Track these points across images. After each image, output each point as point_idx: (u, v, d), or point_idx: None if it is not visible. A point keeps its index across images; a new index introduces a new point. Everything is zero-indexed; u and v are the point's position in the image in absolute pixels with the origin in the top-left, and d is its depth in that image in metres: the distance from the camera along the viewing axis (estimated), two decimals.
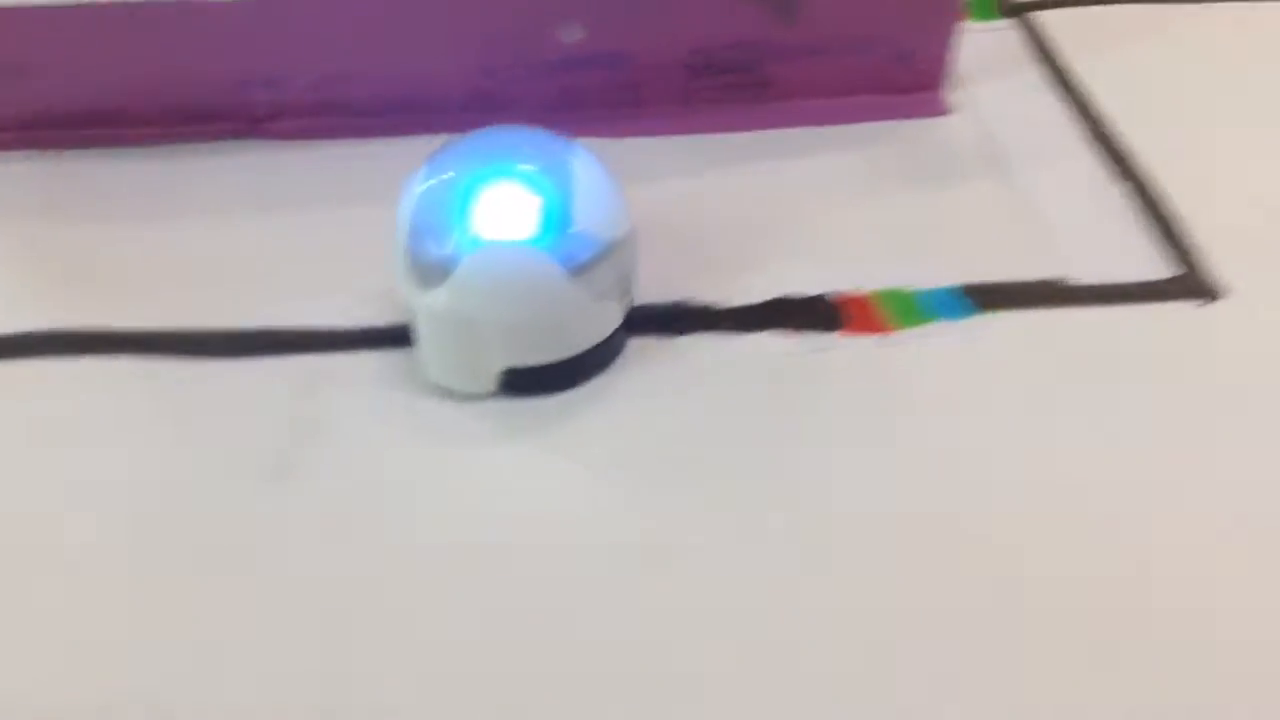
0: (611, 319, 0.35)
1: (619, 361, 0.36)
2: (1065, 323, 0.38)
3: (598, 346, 0.35)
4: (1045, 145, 0.45)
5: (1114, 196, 0.42)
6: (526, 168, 0.33)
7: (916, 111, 0.47)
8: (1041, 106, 0.47)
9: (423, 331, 0.34)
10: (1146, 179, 0.43)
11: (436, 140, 0.34)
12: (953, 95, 0.47)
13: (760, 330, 0.37)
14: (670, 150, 0.45)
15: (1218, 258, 0.40)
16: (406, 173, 0.34)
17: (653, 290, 0.38)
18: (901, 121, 0.46)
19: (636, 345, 0.37)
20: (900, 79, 0.46)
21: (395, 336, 0.36)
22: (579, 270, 0.33)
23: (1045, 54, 0.50)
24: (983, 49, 0.50)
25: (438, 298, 0.33)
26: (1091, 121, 0.46)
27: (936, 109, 0.47)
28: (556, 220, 0.32)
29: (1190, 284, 0.39)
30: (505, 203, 0.32)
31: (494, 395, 0.35)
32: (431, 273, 0.33)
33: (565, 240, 0.32)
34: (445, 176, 0.33)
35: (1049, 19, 0.52)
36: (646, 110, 0.46)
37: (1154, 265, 0.40)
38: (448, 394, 0.35)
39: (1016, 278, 0.39)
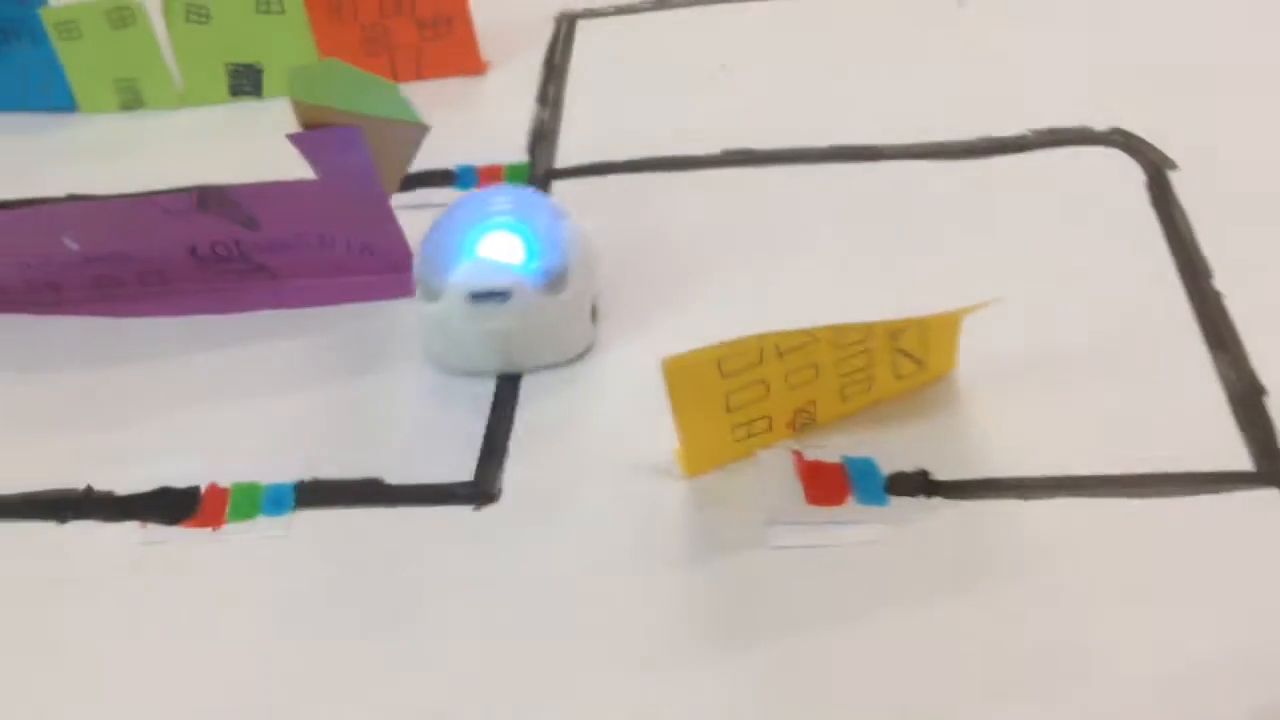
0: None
1: None
2: (374, 521, 0.45)
3: None
4: None
5: None
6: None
7: (388, 293, 0.54)
8: None
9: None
10: None
11: None
12: None
13: (125, 520, 0.47)
14: (163, 330, 0.54)
15: None
16: None
17: None
18: (380, 302, 0.54)
19: None
20: (370, 264, 0.54)
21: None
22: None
23: None
24: None
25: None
26: None
27: (405, 290, 0.54)
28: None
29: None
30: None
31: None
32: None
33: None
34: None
35: (562, 188, 0.58)
36: (172, 291, 0.55)
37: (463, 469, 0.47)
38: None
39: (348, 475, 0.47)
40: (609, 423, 0.47)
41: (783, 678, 0.38)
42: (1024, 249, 0.51)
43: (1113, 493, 0.42)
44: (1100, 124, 0.56)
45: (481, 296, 0.46)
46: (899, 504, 0.43)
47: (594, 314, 0.49)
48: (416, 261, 0.49)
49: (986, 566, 0.40)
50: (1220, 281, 0.48)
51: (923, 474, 0.43)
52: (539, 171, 0.59)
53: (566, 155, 0.60)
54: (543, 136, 0.61)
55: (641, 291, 0.51)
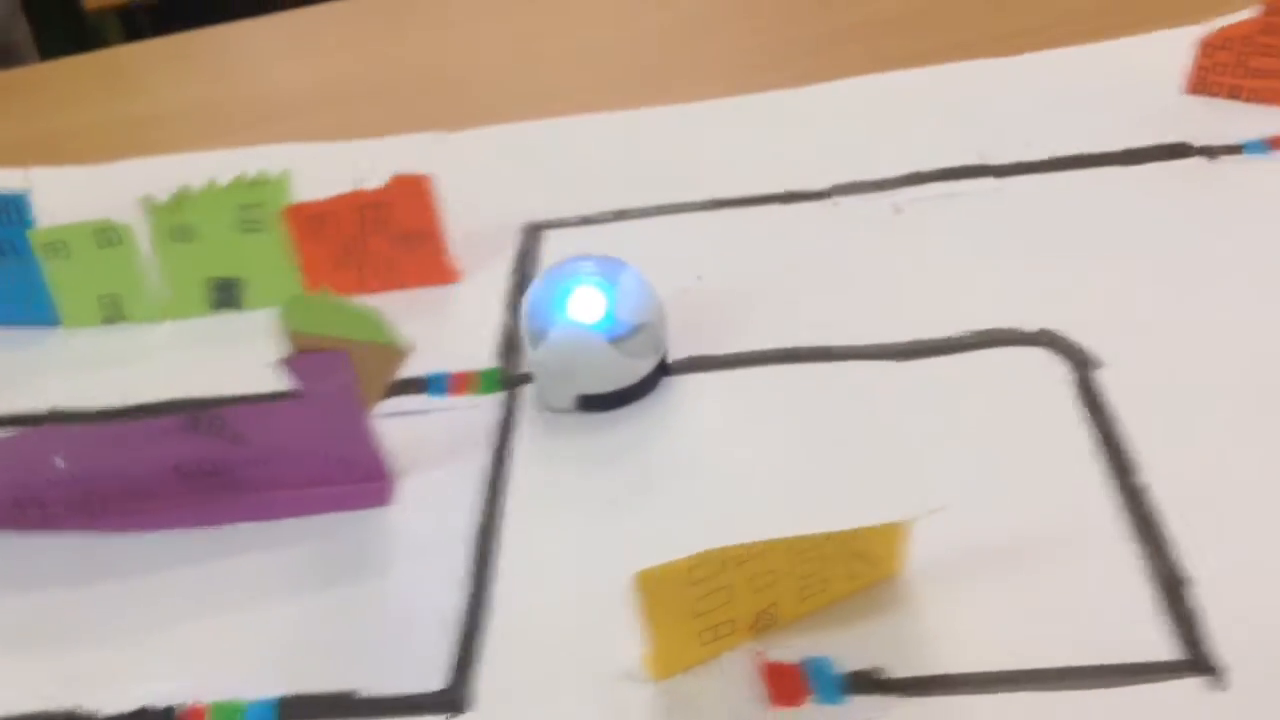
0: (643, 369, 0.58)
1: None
2: None
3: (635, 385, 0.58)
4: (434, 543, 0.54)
5: None
6: (593, 277, 0.57)
7: (364, 503, 0.57)
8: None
9: (535, 372, 0.58)
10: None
11: None
12: (411, 481, 0.57)
13: None
14: (151, 545, 0.56)
15: None
16: None
17: None
18: (355, 512, 0.57)
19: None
20: (347, 475, 0.57)
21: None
22: (617, 340, 0.56)
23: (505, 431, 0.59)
24: (465, 425, 0.60)
25: (540, 353, 0.57)
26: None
27: (381, 500, 0.57)
28: (610, 310, 0.56)
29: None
30: (582, 297, 0.56)
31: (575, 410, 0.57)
32: (537, 338, 0.57)
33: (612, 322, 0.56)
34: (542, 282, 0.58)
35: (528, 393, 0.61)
36: (155, 506, 0.58)
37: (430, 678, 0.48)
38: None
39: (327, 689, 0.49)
40: (579, 626, 0.49)
41: None
42: (961, 448, 0.54)
43: (1053, 685, 0.44)
44: (1029, 325, 0.60)
45: None
46: (857, 702, 0.45)
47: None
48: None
49: None
50: (1146, 475, 0.51)
51: (879, 671, 0.46)
52: (509, 377, 0.62)
53: None
54: (512, 344, 0.64)
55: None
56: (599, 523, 0.54)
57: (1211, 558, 0.48)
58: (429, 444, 0.59)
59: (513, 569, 0.52)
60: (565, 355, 0.57)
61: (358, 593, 0.53)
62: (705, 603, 0.45)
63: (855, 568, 0.48)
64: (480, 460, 0.58)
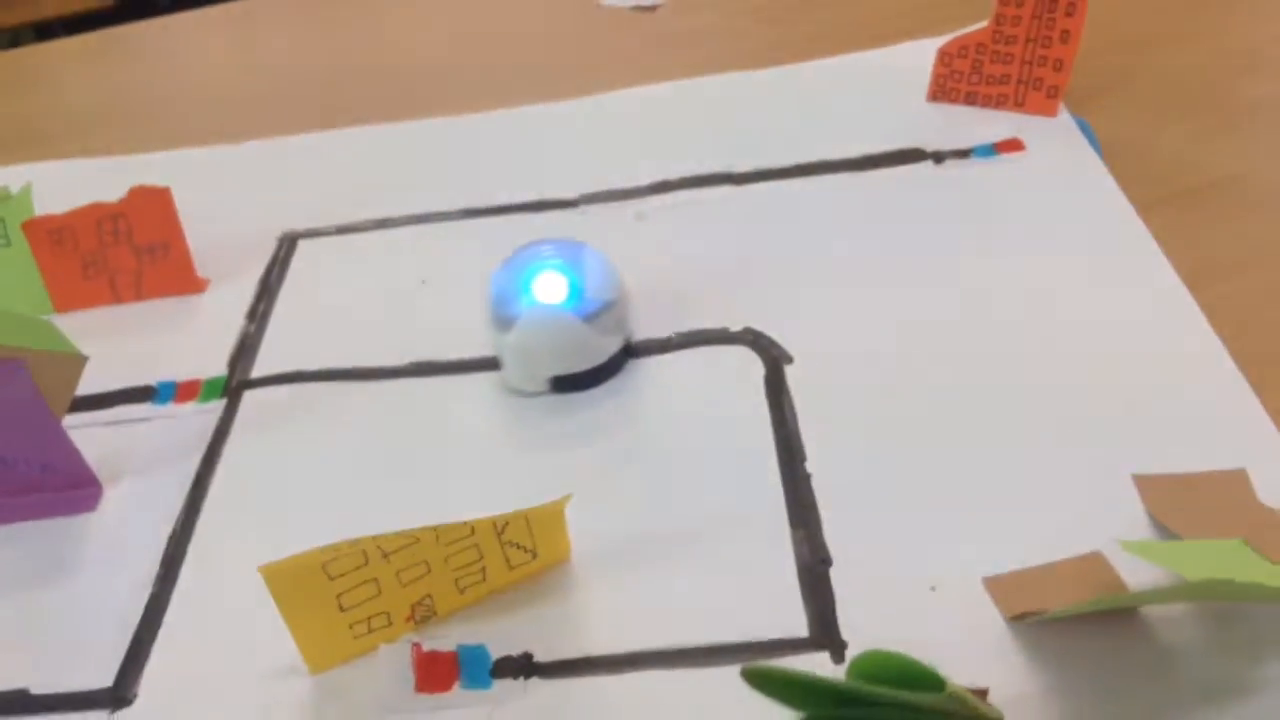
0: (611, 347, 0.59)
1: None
2: None
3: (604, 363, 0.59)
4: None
5: None
6: (557, 260, 0.57)
7: (70, 509, 0.57)
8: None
9: (504, 357, 0.58)
10: None
11: None
12: (121, 488, 0.58)
13: None
14: None
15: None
16: None
17: None
18: (62, 519, 0.57)
19: None
20: (52, 482, 0.57)
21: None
22: (589, 318, 0.57)
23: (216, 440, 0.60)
24: (182, 432, 0.61)
25: (510, 338, 0.57)
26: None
27: (88, 505, 0.57)
28: (576, 290, 0.57)
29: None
30: (548, 281, 0.57)
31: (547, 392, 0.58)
32: (505, 323, 0.57)
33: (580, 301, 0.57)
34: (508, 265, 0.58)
35: (253, 397, 0.63)
36: None
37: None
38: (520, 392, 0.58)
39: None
40: (252, 623, 0.50)
41: None
42: (650, 438, 0.56)
43: (688, 664, 0.46)
44: (737, 324, 0.62)
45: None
46: (502, 686, 0.46)
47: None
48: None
49: None
50: (812, 464, 0.53)
51: (527, 656, 0.47)
52: (233, 384, 0.63)
53: (263, 367, 0.64)
54: (245, 350, 0.65)
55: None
56: (284, 524, 0.55)
57: (851, 544, 0.50)
58: (144, 450, 0.60)
59: (200, 570, 0.53)
60: (538, 336, 0.57)
61: (49, 596, 0.53)
62: (352, 596, 0.47)
63: (514, 557, 0.49)
64: (190, 466, 0.59)
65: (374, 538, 0.46)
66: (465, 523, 0.47)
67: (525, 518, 0.48)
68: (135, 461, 0.59)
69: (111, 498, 0.58)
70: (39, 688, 0.49)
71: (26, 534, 0.57)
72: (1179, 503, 0.49)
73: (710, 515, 0.52)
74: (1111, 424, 0.53)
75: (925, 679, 0.37)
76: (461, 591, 0.49)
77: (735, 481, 0.54)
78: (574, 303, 0.57)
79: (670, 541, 0.51)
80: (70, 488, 0.57)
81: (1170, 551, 0.45)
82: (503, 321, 0.58)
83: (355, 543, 0.45)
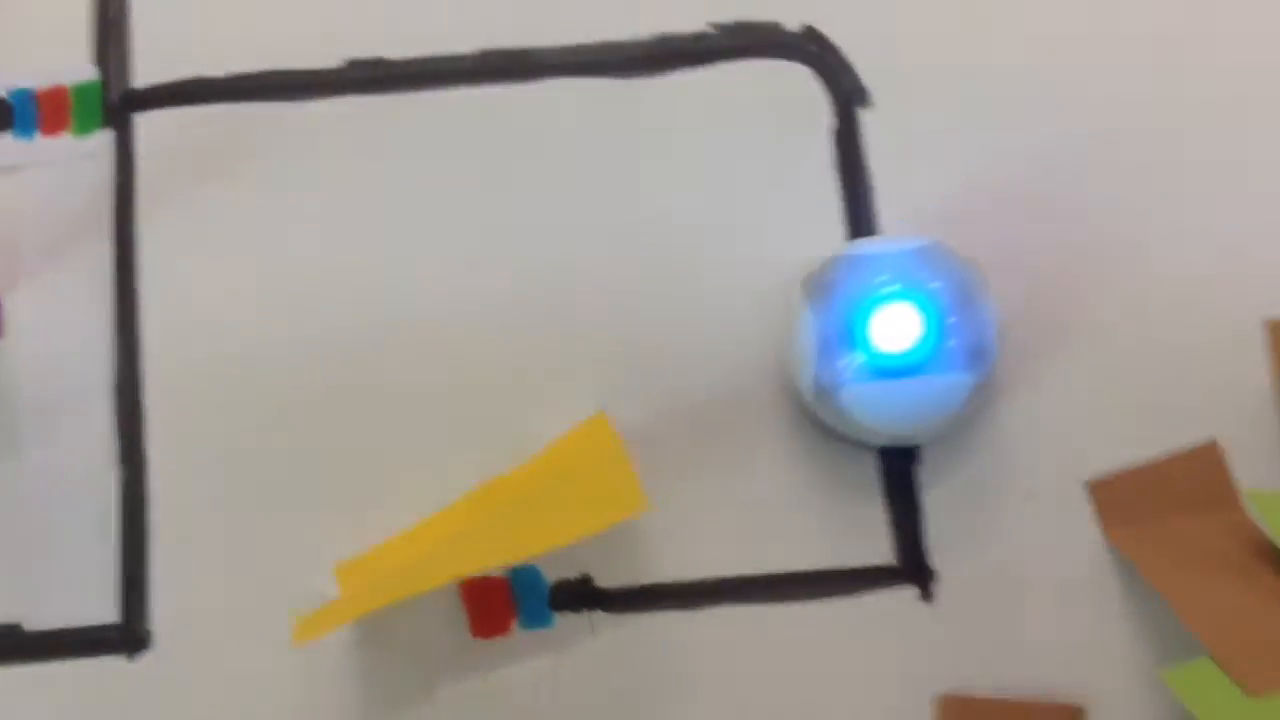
0: None
1: None
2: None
3: None
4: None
5: None
6: None
7: None
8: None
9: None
10: None
11: None
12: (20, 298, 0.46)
13: None
14: None
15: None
16: None
17: None
18: None
19: None
20: None
21: None
22: None
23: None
24: (71, 187, 0.47)
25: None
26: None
27: None
28: None
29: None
30: None
31: None
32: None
33: None
34: None
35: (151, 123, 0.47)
36: None
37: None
38: None
39: None
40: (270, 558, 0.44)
41: None
42: None
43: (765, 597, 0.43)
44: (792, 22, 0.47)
45: None
46: (564, 623, 0.43)
47: None
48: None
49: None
50: None
51: (585, 580, 0.43)
52: (114, 96, 0.47)
53: (148, 67, 0.48)
54: (111, 33, 0.48)
55: None
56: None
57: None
58: (31, 225, 0.46)
59: (164, 444, 0.45)
60: None
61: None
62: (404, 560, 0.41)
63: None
64: (100, 251, 0.46)
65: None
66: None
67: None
68: (25, 248, 0.46)
69: (15, 316, 0.46)
70: (31, 622, 0.43)
71: None
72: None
73: None
74: None
75: None
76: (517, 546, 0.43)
77: None
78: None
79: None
80: None
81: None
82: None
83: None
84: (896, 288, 0.39)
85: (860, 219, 0.45)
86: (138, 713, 0.42)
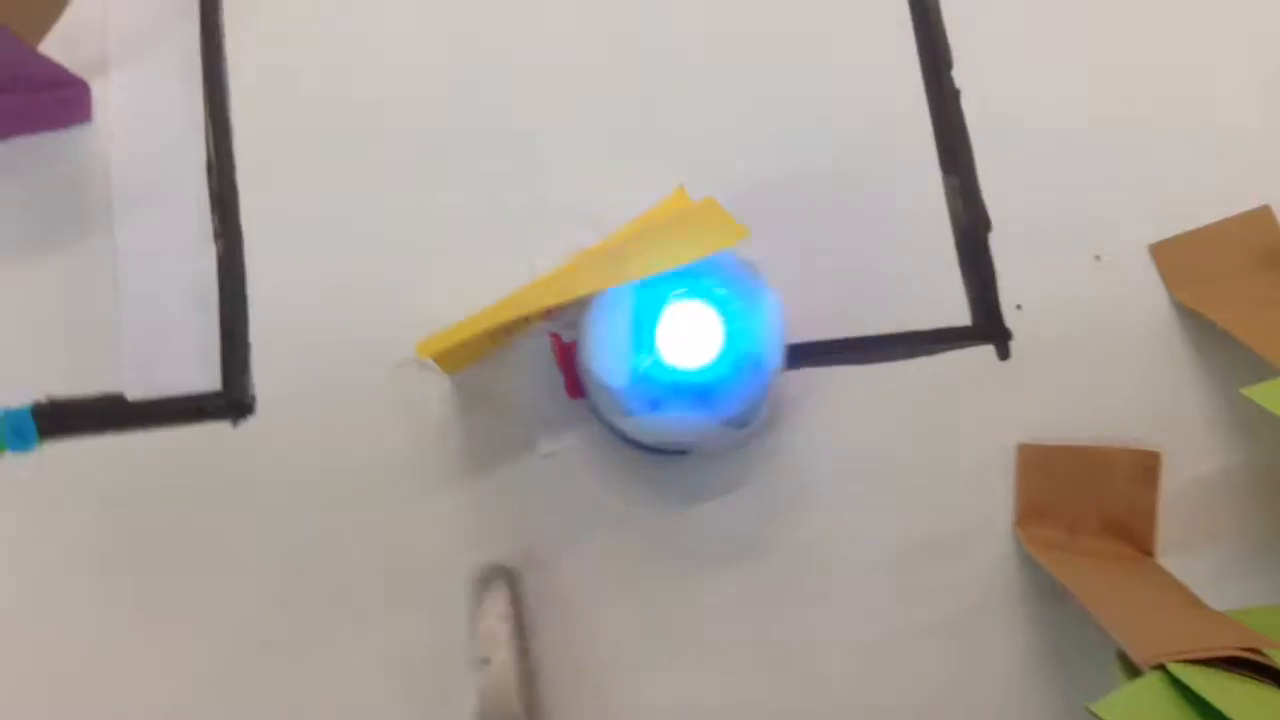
0: None
1: None
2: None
3: None
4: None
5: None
6: None
7: (60, 119, 0.46)
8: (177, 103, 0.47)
9: None
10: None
11: None
12: (111, 82, 0.47)
13: None
14: None
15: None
16: None
17: None
18: (56, 138, 0.46)
19: None
20: (30, 86, 0.46)
21: None
22: None
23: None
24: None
25: None
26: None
27: (81, 113, 0.46)
28: None
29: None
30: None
31: None
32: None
33: None
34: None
35: None
36: None
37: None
38: None
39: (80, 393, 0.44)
40: (363, 325, 0.45)
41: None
42: None
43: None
44: None
45: None
46: None
47: None
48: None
49: None
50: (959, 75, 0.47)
51: None
52: None
53: None
54: None
55: None
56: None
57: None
58: (118, 10, 0.47)
59: (259, 223, 0.46)
60: None
61: (80, 262, 0.45)
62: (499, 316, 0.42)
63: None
64: (189, 34, 0.47)
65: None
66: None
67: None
68: (117, 43, 0.47)
69: (105, 101, 0.46)
70: (134, 392, 0.44)
71: (18, 164, 0.46)
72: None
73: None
74: None
75: None
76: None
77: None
78: None
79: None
80: (51, 88, 0.46)
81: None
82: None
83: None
84: None
85: None
86: (243, 477, 0.43)
